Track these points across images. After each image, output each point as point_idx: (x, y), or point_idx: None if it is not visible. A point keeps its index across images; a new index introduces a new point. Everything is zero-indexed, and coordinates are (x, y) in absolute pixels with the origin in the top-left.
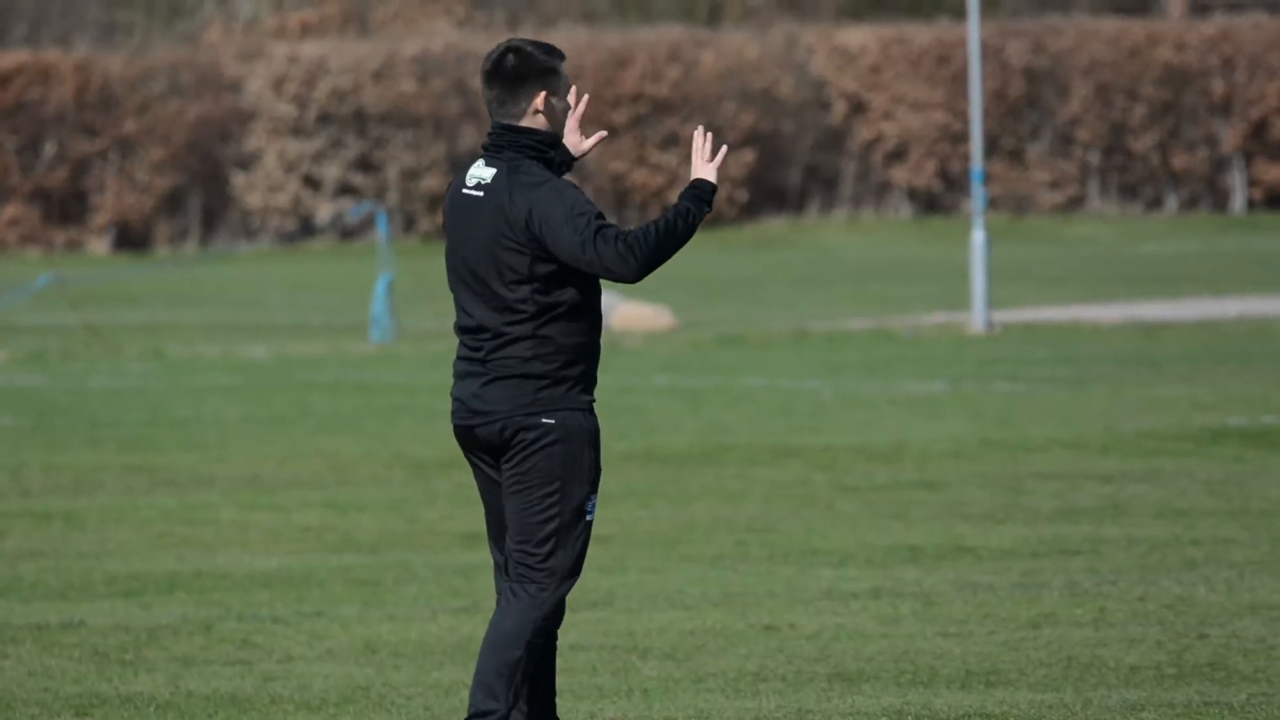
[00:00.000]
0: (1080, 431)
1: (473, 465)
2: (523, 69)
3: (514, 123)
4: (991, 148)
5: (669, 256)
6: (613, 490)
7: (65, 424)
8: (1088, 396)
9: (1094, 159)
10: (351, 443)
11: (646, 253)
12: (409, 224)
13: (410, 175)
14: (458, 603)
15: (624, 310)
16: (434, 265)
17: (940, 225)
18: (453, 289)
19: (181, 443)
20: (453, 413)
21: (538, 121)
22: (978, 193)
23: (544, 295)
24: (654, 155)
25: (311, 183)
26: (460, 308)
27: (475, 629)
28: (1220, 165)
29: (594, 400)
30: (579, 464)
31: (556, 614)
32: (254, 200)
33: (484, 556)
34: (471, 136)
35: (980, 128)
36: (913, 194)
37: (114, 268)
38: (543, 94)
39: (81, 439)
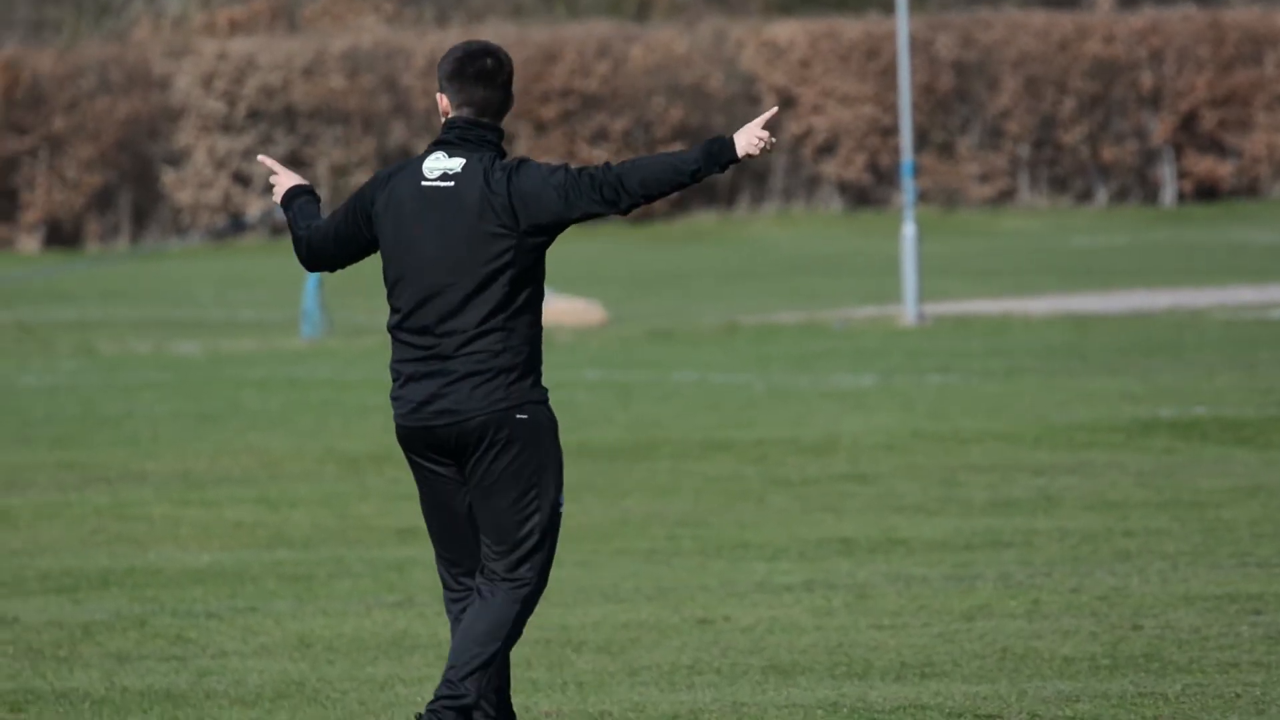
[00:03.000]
0: (1012, 423)
1: (418, 468)
2: (508, 69)
3: (488, 120)
4: (921, 141)
5: (660, 197)
6: None
7: None
8: (1019, 388)
9: (1024, 152)
10: (283, 438)
11: (635, 189)
12: None
13: (340, 171)
14: (392, 597)
15: (555, 305)
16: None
17: (871, 219)
18: (399, 285)
19: (113, 439)
20: (402, 415)
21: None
22: (908, 186)
23: (515, 284)
24: (584, 150)
25: (241, 179)
26: (410, 305)
27: (409, 624)
28: (1150, 158)
29: (548, 391)
30: (551, 457)
31: (535, 601)
32: (184, 197)
33: (419, 551)
34: (400, 132)
35: (910, 121)
36: (843, 187)
37: (45, 265)
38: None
39: (13, 436)
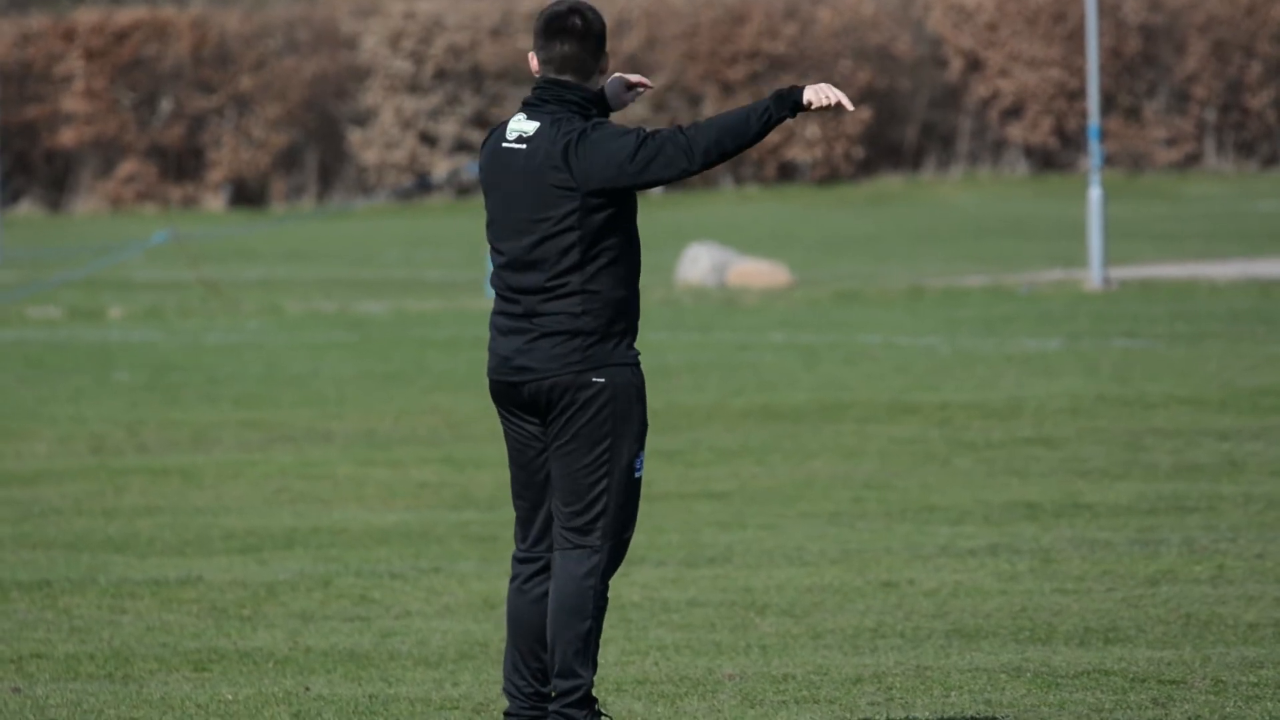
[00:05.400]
0: (1197, 388)
1: (506, 421)
2: (597, 29)
3: (570, 79)
4: (1108, 105)
5: (733, 152)
6: (730, 446)
7: (182, 380)
8: (1204, 353)
9: (1210, 116)
10: (468, 399)
11: (708, 145)
12: None
13: None
14: None
15: (740, 267)
16: None
17: (1056, 182)
18: (492, 243)
19: (298, 399)
20: (491, 368)
21: (599, 82)
22: (1095, 150)
23: (591, 246)
24: None
25: (428, 139)
26: (501, 263)
27: None
28: None
29: (639, 354)
30: (628, 421)
31: (612, 572)
32: (370, 157)
33: None
34: None
35: (1097, 85)
36: (1029, 151)
37: (230, 224)
38: (608, 57)
39: (198, 395)
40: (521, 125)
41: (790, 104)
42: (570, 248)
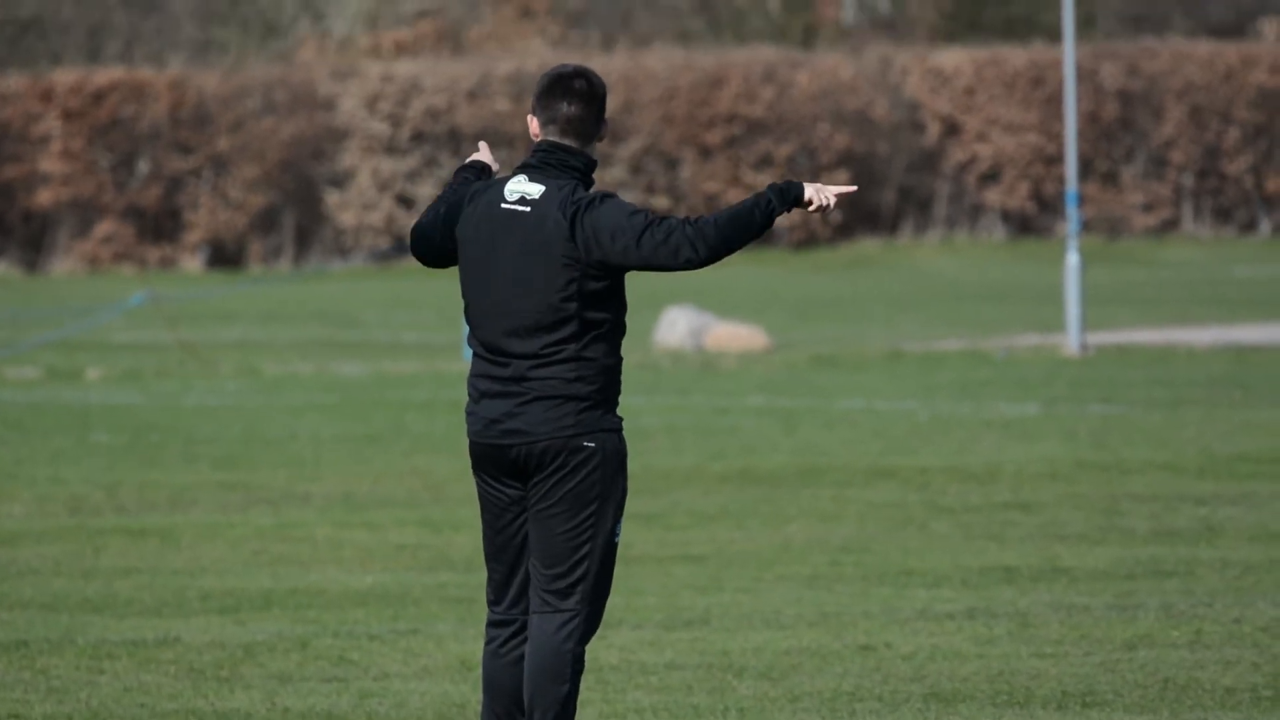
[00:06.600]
0: (1175, 454)
1: (484, 485)
2: (600, 93)
3: (572, 143)
4: (1085, 170)
5: (739, 246)
6: (708, 510)
7: (160, 441)
8: (1182, 419)
9: (1188, 181)
10: (447, 461)
11: (715, 237)
12: None
13: None
14: None
15: (718, 330)
16: None
17: (1034, 247)
18: (475, 303)
19: (276, 460)
20: (474, 431)
21: (594, 147)
22: (1073, 215)
23: (588, 314)
24: (748, 175)
25: (405, 201)
26: (486, 323)
27: None
28: None
29: (623, 420)
30: (613, 488)
31: (590, 635)
32: (348, 218)
33: None
34: None
35: (1075, 150)
36: (1006, 216)
37: (208, 285)
38: (607, 124)
39: (177, 456)
40: (523, 187)
41: (791, 200)
42: (569, 318)
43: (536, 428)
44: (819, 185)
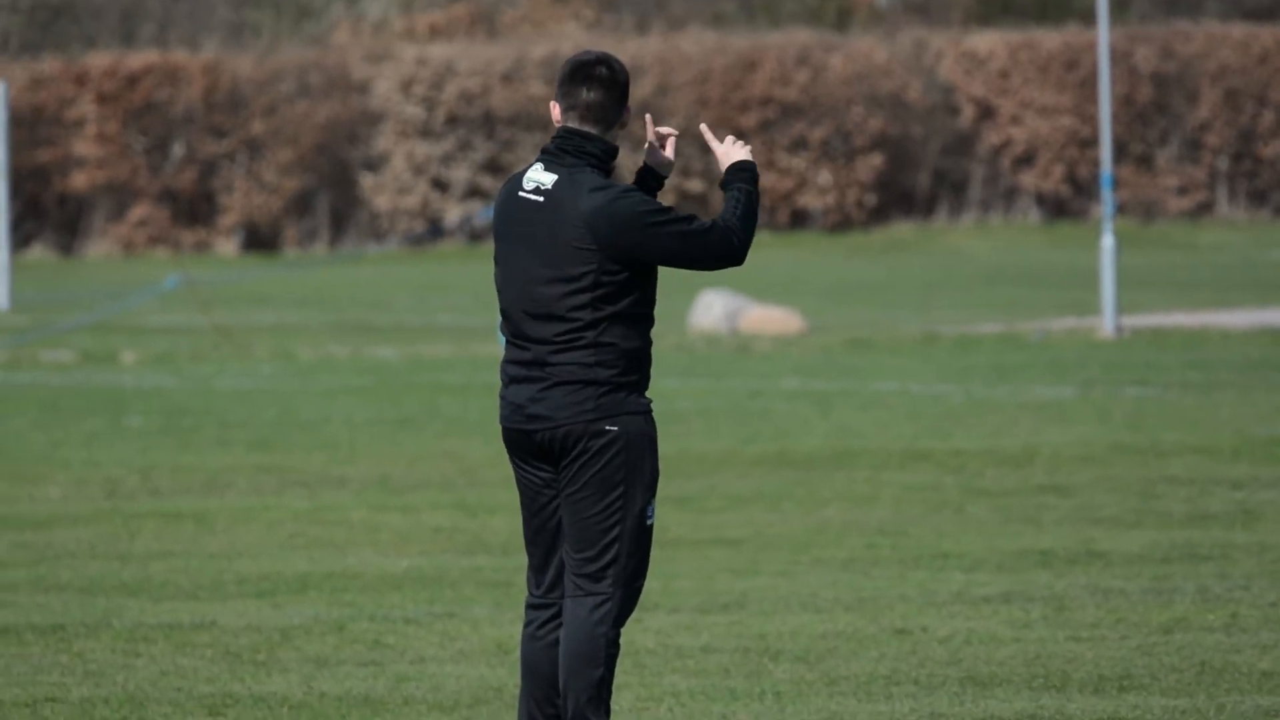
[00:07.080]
0: (1210, 437)
1: (518, 468)
2: (622, 80)
3: (591, 130)
4: (1120, 153)
5: (754, 229)
6: (743, 493)
7: (195, 425)
8: (1217, 402)
9: (1223, 164)
10: (481, 444)
11: (744, 233)
12: None
13: None
14: None
15: (753, 313)
16: None
17: (1068, 230)
18: (502, 290)
19: (311, 443)
20: (504, 416)
21: (617, 134)
22: (1107, 198)
23: (606, 302)
24: (783, 159)
25: (440, 185)
26: (512, 311)
27: None
28: None
29: (651, 403)
30: (640, 470)
31: (624, 619)
32: (382, 202)
33: None
34: None
35: (1109, 133)
36: (1041, 198)
37: (242, 269)
38: (629, 111)
39: (211, 440)
40: (539, 176)
41: (757, 179)
42: (584, 305)
43: (557, 412)
44: (733, 149)
